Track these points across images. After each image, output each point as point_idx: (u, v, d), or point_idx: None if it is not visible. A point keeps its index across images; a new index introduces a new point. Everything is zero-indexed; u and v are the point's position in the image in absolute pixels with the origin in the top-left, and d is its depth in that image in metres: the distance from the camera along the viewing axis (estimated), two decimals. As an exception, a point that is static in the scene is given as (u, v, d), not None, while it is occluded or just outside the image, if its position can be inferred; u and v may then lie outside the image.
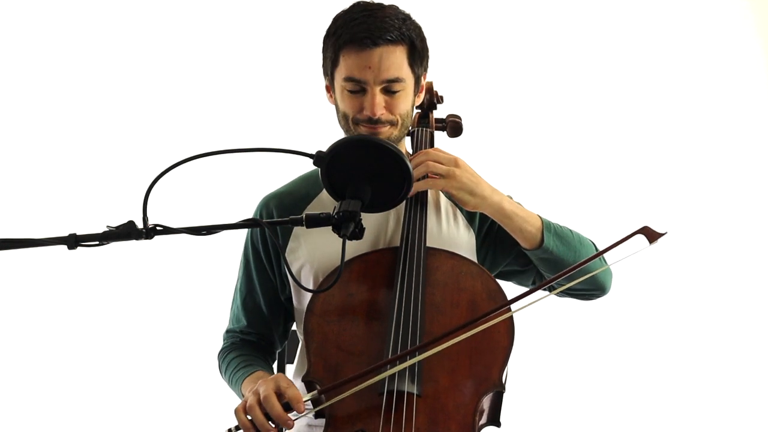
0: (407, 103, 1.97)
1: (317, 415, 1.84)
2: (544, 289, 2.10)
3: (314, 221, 1.60)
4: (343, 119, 1.98)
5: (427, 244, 1.95)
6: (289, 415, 1.72)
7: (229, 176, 3.47)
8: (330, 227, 1.60)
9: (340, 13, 1.98)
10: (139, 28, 3.61)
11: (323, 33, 2.00)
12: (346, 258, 1.67)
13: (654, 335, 3.67)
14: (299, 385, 2.02)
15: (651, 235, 1.75)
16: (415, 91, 2.00)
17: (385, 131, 1.95)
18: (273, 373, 2.05)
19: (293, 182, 2.15)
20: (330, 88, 2.02)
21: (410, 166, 1.65)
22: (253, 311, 2.12)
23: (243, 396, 1.92)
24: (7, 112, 3.52)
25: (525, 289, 2.10)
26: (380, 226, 2.03)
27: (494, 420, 1.85)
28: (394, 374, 1.74)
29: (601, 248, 2.06)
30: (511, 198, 2.08)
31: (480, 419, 1.80)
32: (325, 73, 2.02)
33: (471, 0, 3.76)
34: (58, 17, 3.56)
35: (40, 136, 3.53)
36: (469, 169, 1.91)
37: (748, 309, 3.73)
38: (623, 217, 3.72)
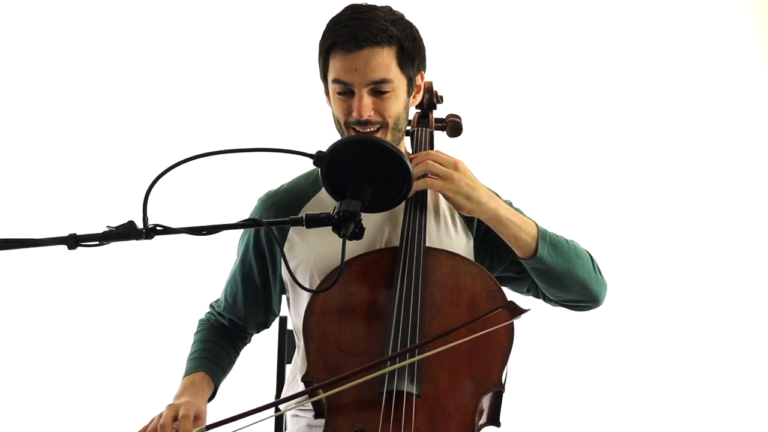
0: (398, 105, 1.96)
1: (317, 415, 1.84)
2: (539, 298, 2.11)
3: (314, 221, 1.60)
4: (337, 124, 1.99)
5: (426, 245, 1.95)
6: None
7: (229, 176, 3.47)
8: (327, 227, 1.60)
9: (333, 16, 1.98)
10: (139, 28, 3.61)
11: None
12: (345, 258, 1.66)
13: (654, 335, 3.67)
14: (298, 385, 2.03)
15: (514, 311, 1.75)
16: (408, 93, 1.99)
17: (377, 134, 1.94)
18: (226, 363, 2.10)
19: (293, 181, 2.16)
20: (327, 92, 2.03)
21: (410, 166, 1.65)
22: (230, 300, 2.15)
23: None
24: (7, 112, 3.52)
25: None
26: (379, 226, 2.03)
27: (494, 420, 1.84)
28: (393, 374, 1.74)
29: (597, 260, 2.07)
30: (510, 204, 2.08)
31: (480, 419, 1.79)
32: (321, 77, 2.02)
33: (471, 0, 3.76)
34: (58, 17, 3.56)
35: (40, 136, 3.53)
36: (468, 174, 1.91)
37: (748, 309, 3.73)
38: (623, 218, 3.73)
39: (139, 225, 1.53)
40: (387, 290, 1.89)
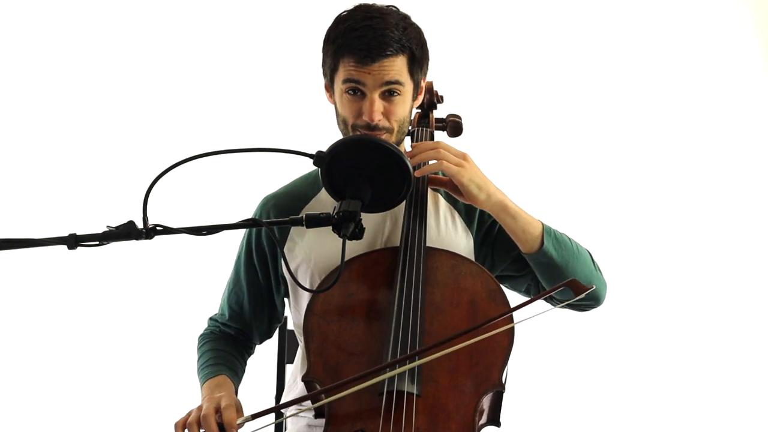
0: (405, 108, 1.96)
1: (317, 415, 1.84)
2: (544, 300, 2.11)
3: (314, 221, 1.60)
4: (342, 124, 1.98)
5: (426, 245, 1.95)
6: None
7: (229, 176, 3.47)
8: (327, 227, 1.60)
9: (342, 15, 1.96)
10: (139, 28, 3.61)
11: (323, 33, 1.99)
12: (345, 258, 1.66)
13: (654, 336, 3.67)
14: (299, 385, 2.03)
15: (577, 288, 1.76)
16: (413, 96, 2.00)
17: (382, 138, 1.94)
18: (242, 368, 2.08)
19: (293, 182, 2.15)
20: (329, 89, 2.02)
21: (410, 165, 1.65)
22: (235, 308, 2.13)
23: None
24: (7, 112, 3.52)
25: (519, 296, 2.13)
26: (379, 226, 2.03)
27: (494, 420, 1.84)
28: (394, 368, 1.74)
29: (597, 259, 2.07)
30: (511, 201, 2.09)
31: (480, 419, 1.79)
32: (325, 74, 2.01)
33: (471, 0, 3.76)
34: (58, 17, 3.56)
35: (40, 136, 3.53)
36: (476, 166, 1.91)
37: (748, 310, 3.73)
38: (623, 217, 3.73)
39: (139, 225, 1.53)
40: (387, 290, 1.89)
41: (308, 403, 1.96)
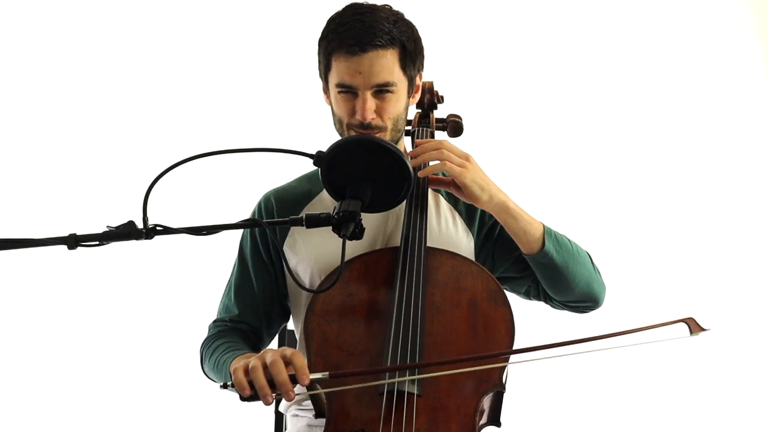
0: (399, 106, 1.96)
1: (317, 415, 1.84)
2: (539, 300, 2.11)
3: (314, 221, 1.60)
4: (338, 123, 1.99)
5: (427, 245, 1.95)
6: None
7: (229, 176, 3.47)
8: (327, 227, 1.60)
9: (333, 15, 1.98)
10: (139, 28, 3.61)
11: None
12: (346, 258, 1.66)
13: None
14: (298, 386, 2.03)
15: (694, 327, 1.70)
16: (408, 93, 2.00)
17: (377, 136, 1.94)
18: None
19: (296, 180, 2.17)
20: (326, 90, 2.03)
21: (410, 166, 1.65)
22: (245, 300, 2.09)
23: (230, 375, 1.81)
24: (7, 112, 3.52)
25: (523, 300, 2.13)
26: (379, 226, 2.03)
27: (494, 420, 1.84)
28: (394, 374, 1.74)
29: (596, 261, 2.07)
30: (511, 202, 2.09)
31: (480, 419, 1.79)
32: (320, 75, 2.02)
33: (471, 0, 3.76)
34: (58, 17, 3.56)
35: (40, 136, 3.52)
36: (478, 167, 1.91)
37: (748, 309, 3.73)
38: (623, 218, 3.73)
39: (139, 225, 1.53)
40: (387, 290, 1.89)
41: (308, 403, 1.96)
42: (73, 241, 1.50)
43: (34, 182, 3.50)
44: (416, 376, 1.75)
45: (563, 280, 2.00)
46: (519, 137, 3.72)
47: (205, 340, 2.08)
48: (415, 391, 1.74)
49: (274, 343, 2.35)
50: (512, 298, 1.92)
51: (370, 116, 1.92)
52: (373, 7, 1.96)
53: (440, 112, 2.21)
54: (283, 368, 1.62)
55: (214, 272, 2.46)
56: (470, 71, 3.67)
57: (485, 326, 1.85)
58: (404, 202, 1.96)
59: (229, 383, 1.65)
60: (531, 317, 2.24)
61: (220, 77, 3.63)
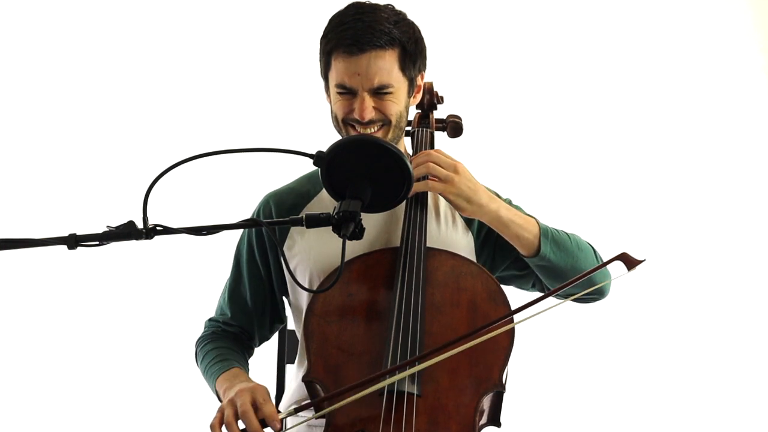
0: (399, 105, 1.96)
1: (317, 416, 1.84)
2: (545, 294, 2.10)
3: (314, 221, 1.59)
4: (335, 120, 1.99)
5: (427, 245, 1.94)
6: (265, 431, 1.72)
7: (229, 176, 3.47)
8: (327, 227, 1.60)
9: (335, 14, 1.98)
10: (139, 28, 3.61)
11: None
12: (346, 258, 1.66)
13: (654, 336, 3.67)
14: (298, 385, 2.03)
15: (629, 262, 1.73)
16: (409, 93, 2.00)
17: (378, 132, 1.95)
18: (247, 368, 2.04)
19: (296, 180, 2.16)
20: (327, 89, 2.02)
21: (410, 166, 1.65)
22: (238, 304, 2.12)
23: (216, 391, 1.93)
24: (7, 112, 3.52)
25: (524, 294, 2.13)
26: (379, 226, 2.03)
27: (494, 420, 1.84)
28: (394, 374, 1.73)
29: (600, 251, 2.07)
30: (510, 202, 2.08)
31: (480, 419, 1.79)
32: (321, 75, 2.02)
33: (471, 0, 3.76)
34: (58, 17, 3.56)
35: (40, 136, 3.53)
36: (468, 176, 1.90)
37: (748, 310, 3.72)
38: (623, 218, 3.73)
39: (139, 225, 1.52)
40: (387, 290, 1.89)
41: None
42: (73, 241, 1.49)
43: (34, 182, 3.50)
44: (417, 367, 1.74)
45: (563, 278, 1.99)
46: (519, 137, 3.72)
47: (200, 338, 2.12)
48: (415, 392, 1.74)
49: (274, 343, 2.36)
50: (512, 297, 1.92)
51: (369, 116, 1.92)
52: (375, 6, 1.96)
53: (440, 113, 2.21)
54: (253, 417, 1.71)
55: (214, 272, 2.46)
56: (470, 71, 3.67)
57: (488, 329, 1.85)
58: (404, 203, 1.96)
59: None
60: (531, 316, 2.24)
61: (220, 77, 3.63)
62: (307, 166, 2.00)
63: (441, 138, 2.17)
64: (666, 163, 3.77)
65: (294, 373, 2.15)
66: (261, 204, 2.12)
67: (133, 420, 3.43)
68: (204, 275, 3.32)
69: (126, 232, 1.51)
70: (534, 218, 2.01)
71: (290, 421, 2.10)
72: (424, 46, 2.02)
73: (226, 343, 2.07)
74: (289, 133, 3.45)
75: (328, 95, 2.02)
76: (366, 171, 1.64)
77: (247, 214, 2.14)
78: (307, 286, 2.00)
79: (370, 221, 1.98)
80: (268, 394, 1.78)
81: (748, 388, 3.67)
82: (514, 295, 2.00)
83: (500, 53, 3.75)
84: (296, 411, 1.71)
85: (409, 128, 2.16)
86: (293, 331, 2.25)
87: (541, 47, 3.77)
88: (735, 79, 3.82)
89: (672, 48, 3.80)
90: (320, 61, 2.00)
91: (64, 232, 1.50)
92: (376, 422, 1.72)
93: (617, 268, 1.77)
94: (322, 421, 1.79)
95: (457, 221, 2.07)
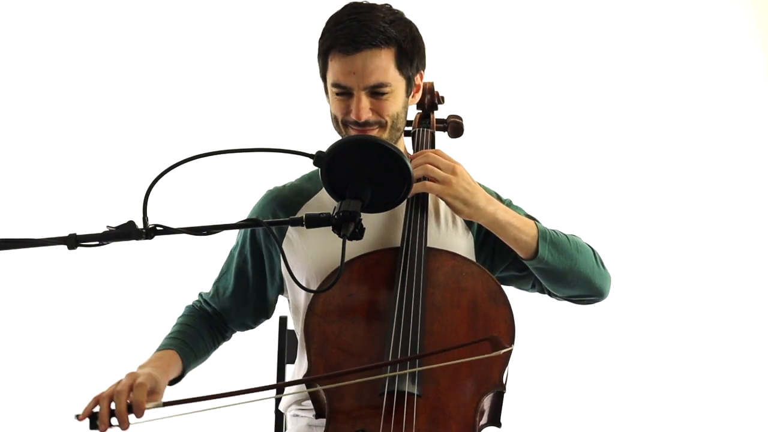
0: (396, 105, 1.95)
1: (317, 416, 1.84)
2: (544, 293, 2.11)
3: (314, 221, 1.59)
4: (334, 121, 1.99)
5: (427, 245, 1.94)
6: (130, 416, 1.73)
7: (229, 176, 3.47)
8: (325, 227, 1.60)
9: (332, 14, 1.98)
10: (139, 28, 3.61)
11: (321, 33, 2.01)
12: (345, 258, 1.66)
13: (654, 336, 3.67)
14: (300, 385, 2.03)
15: (496, 345, 1.71)
16: (407, 92, 1.99)
17: (375, 133, 1.94)
18: (200, 350, 2.06)
19: (297, 180, 2.17)
20: (326, 89, 2.03)
21: (410, 166, 1.65)
22: (220, 290, 2.14)
23: None
24: (7, 112, 3.52)
25: (524, 295, 2.13)
26: (379, 226, 2.03)
27: (495, 420, 1.84)
28: (394, 374, 1.74)
29: (600, 253, 2.06)
30: (510, 202, 2.08)
31: (480, 419, 1.79)
32: (320, 75, 2.02)
33: (471, 0, 3.76)
34: (58, 17, 3.56)
35: (40, 136, 3.53)
36: (466, 177, 1.90)
37: (748, 310, 3.72)
38: (624, 217, 3.73)
39: (139, 225, 1.52)
40: (388, 291, 1.89)
41: (308, 403, 1.95)
42: (73, 241, 1.49)
43: (34, 182, 3.50)
44: (416, 368, 1.74)
45: (561, 280, 1.99)
46: (519, 137, 3.72)
47: (185, 307, 2.17)
48: (416, 392, 1.74)
49: (274, 343, 2.35)
50: (512, 297, 1.92)
51: (365, 116, 1.91)
52: (372, 6, 1.95)
53: (441, 113, 2.20)
54: (123, 399, 1.72)
55: (214, 272, 2.46)
56: (471, 71, 3.67)
57: (485, 326, 1.85)
58: (404, 203, 1.95)
59: (78, 414, 1.73)
60: (531, 317, 2.24)
61: (220, 77, 3.63)
62: (307, 166, 2.00)
63: (442, 138, 2.17)
64: (667, 163, 3.77)
65: (294, 372, 2.15)
66: (263, 199, 2.13)
67: (133, 419, 3.42)
68: (204, 275, 3.32)
69: (126, 232, 1.51)
70: (534, 220, 2.00)
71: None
72: (422, 45, 2.01)
73: (193, 321, 2.10)
74: (289, 133, 3.45)
75: (327, 96, 2.02)
76: (366, 171, 1.64)
77: (247, 214, 2.14)
78: (306, 286, 2.00)
79: (370, 221, 1.98)
80: (155, 383, 1.80)
81: (748, 388, 3.67)
82: (514, 296, 2.00)
83: (501, 53, 3.75)
84: (165, 405, 1.72)
85: (409, 128, 2.15)
86: (293, 331, 2.24)
87: (541, 47, 3.77)
88: (736, 79, 3.82)
89: (673, 48, 3.80)
90: (318, 61, 2.00)
91: (64, 232, 1.50)
92: (376, 422, 1.72)
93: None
94: (322, 421, 1.79)
95: (457, 222, 2.07)
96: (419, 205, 1.98)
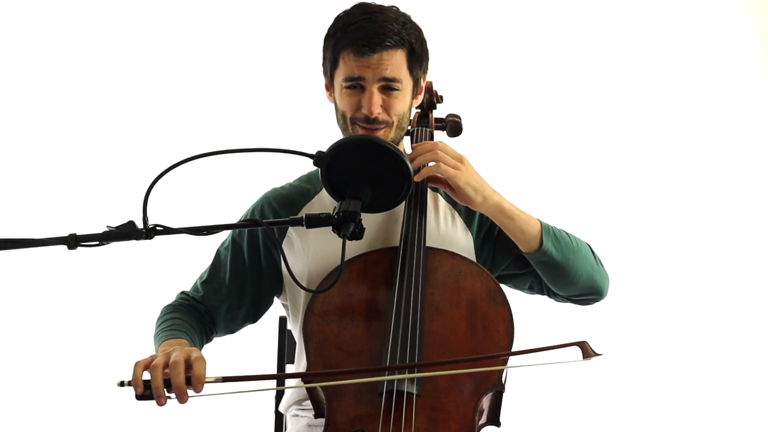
0: (404, 104, 1.97)
1: (317, 415, 1.84)
2: (543, 294, 2.11)
3: (314, 221, 1.60)
4: (341, 118, 1.99)
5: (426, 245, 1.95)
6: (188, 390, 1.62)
7: (229, 176, 3.47)
8: (325, 227, 1.60)
9: (340, 13, 1.99)
10: (139, 28, 3.61)
11: (324, 33, 2.01)
12: (345, 258, 1.66)
13: (654, 336, 3.67)
14: (296, 382, 2.02)
15: (586, 352, 1.70)
16: (413, 94, 2.01)
17: (381, 132, 1.95)
18: (198, 347, 1.96)
19: (298, 179, 2.17)
20: (329, 87, 2.03)
21: (410, 166, 1.66)
22: (213, 287, 2.08)
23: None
24: (7, 112, 3.52)
25: (523, 296, 2.13)
26: (379, 226, 2.04)
27: (494, 420, 1.85)
28: (393, 374, 1.74)
29: (597, 251, 2.07)
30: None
31: (480, 419, 1.80)
32: (325, 73, 2.03)
33: (471, 0, 3.76)
34: (58, 17, 3.56)
35: (40, 136, 3.53)
36: (473, 168, 1.92)
37: (748, 310, 3.73)
38: (624, 217, 3.73)
39: (139, 225, 1.53)
40: (387, 290, 1.89)
41: (308, 403, 1.96)
42: (73, 241, 1.50)
43: (34, 182, 3.50)
44: (415, 374, 1.75)
45: (564, 276, 2.00)
46: (518, 137, 3.72)
47: (166, 306, 2.06)
48: (415, 391, 1.74)
49: (274, 343, 2.36)
50: (511, 296, 1.92)
51: (377, 111, 1.93)
52: (382, 7, 1.97)
53: (439, 112, 2.21)
54: (182, 371, 1.61)
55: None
56: (470, 71, 3.67)
57: (484, 326, 1.85)
58: (403, 202, 1.96)
59: (126, 381, 1.63)
60: (531, 317, 2.24)
61: (220, 77, 3.63)
62: (307, 166, 2.00)
63: (440, 137, 2.17)
64: (667, 164, 3.78)
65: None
66: (262, 199, 2.12)
67: (133, 419, 3.43)
68: (204, 275, 3.32)
69: (126, 232, 1.52)
70: (534, 217, 2.01)
71: (290, 422, 2.11)
72: (428, 49, 2.03)
73: (188, 317, 2.01)
74: (289, 133, 3.45)
75: (330, 93, 2.02)
76: (366, 171, 1.65)
77: (244, 213, 2.14)
78: (306, 285, 2.00)
79: (370, 221, 1.99)
80: (204, 361, 1.65)
81: (748, 388, 3.67)
82: (514, 296, 2.00)
83: (500, 53, 3.75)
84: (224, 380, 1.61)
85: (408, 127, 2.16)
86: (291, 331, 2.24)
87: (541, 47, 3.77)
88: (736, 80, 3.82)
89: (673, 49, 3.80)
90: (325, 60, 2.00)
91: (64, 232, 1.50)
92: (375, 421, 1.72)
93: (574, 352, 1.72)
94: (322, 420, 1.79)
95: (456, 221, 2.08)
96: (418, 205, 1.98)
